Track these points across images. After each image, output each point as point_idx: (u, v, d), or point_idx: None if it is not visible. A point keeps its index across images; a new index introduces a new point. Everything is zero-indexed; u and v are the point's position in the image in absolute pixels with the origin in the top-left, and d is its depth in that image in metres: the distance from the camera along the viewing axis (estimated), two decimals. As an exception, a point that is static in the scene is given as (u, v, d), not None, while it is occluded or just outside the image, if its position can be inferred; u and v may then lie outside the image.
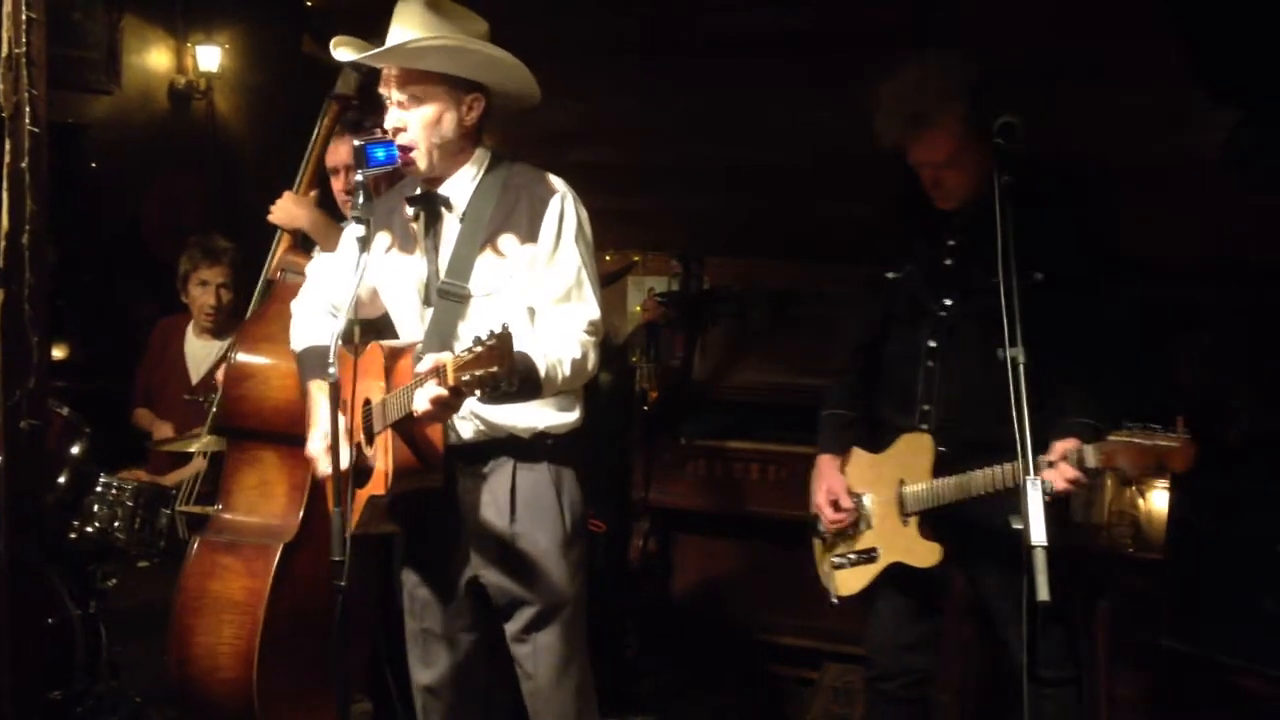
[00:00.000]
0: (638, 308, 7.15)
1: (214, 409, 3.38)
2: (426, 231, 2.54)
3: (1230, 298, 3.45)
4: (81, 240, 4.93)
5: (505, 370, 1.98)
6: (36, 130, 2.51)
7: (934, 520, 2.73)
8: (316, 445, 2.49)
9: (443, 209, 2.52)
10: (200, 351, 4.16)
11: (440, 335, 2.44)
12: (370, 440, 2.41)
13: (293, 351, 2.72)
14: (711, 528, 4.30)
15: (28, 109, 2.49)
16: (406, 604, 2.69)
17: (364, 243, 2.31)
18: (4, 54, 2.47)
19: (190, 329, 4.22)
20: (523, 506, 2.53)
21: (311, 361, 2.57)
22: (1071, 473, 2.45)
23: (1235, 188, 3.25)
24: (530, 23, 2.82)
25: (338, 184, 3.29)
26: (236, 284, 4.06)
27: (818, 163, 3.94)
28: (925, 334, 2.76)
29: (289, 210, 3.27)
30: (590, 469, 2.66)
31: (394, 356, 2.38)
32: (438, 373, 2.04)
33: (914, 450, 2.76)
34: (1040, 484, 2.25)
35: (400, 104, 2.44)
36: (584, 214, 2.53)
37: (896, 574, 2.81)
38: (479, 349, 1.97)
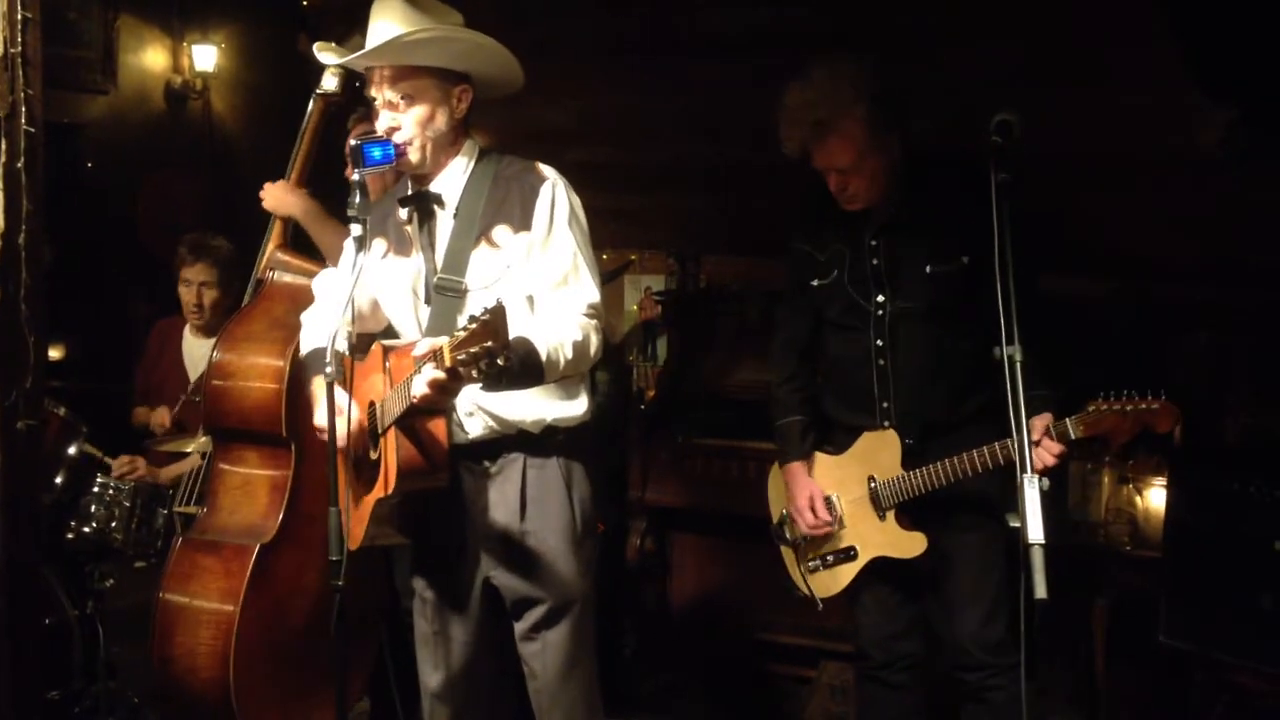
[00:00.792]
0: (635, 307, 7.15)
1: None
2: (420, 229, 2.54)
3: (1230, 298, 3.45)
4: (77, 240, 4.91)
5: (500, 345, 1.97)
6: (32, 130, 2.51)
7: (911, 510, 2.78)
8: (322, 419, 2.42)
9: (435, 206, 2.52)
10: (198, 350, 4.14)
11: (439, 332, 2.43)
12: (376, 443, 2.41)
13: (283, 355, 2.71)
14: (709, 527, 4.30)
15: (23, 109, 2.49)
16: (417, 606, 2.68)
17: (360, 242, 2.31)
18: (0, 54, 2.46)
19: (187, 328, 4.22)
20: (533, 504, 2.53)
21: (316, 362, 2.56)
22: (1057, 447, 2.52)
23: (1234, 187, 3.25)
24: (530, 23, 2.83)
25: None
26: (225, 282, 4.03)
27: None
28: (869, 335, 2.80)
29: (281, 197, 3.25)
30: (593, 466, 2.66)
31: (395, 356, 2.38)
32: (435, 356, 2.04)
33: (879, 446, 2.81)
34: (1036, 481, 2.25)
35: (391, 104, 2.43)
36: (576, 200, 2.52)
37: (877, 566, 2.85)
38: (473, 326, 1.97)
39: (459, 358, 1.97)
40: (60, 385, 3.88)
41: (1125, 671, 3.56)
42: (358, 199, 2.31)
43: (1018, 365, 2.29)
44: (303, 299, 2.85)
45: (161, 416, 4.07)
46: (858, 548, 2.86)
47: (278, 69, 6.37)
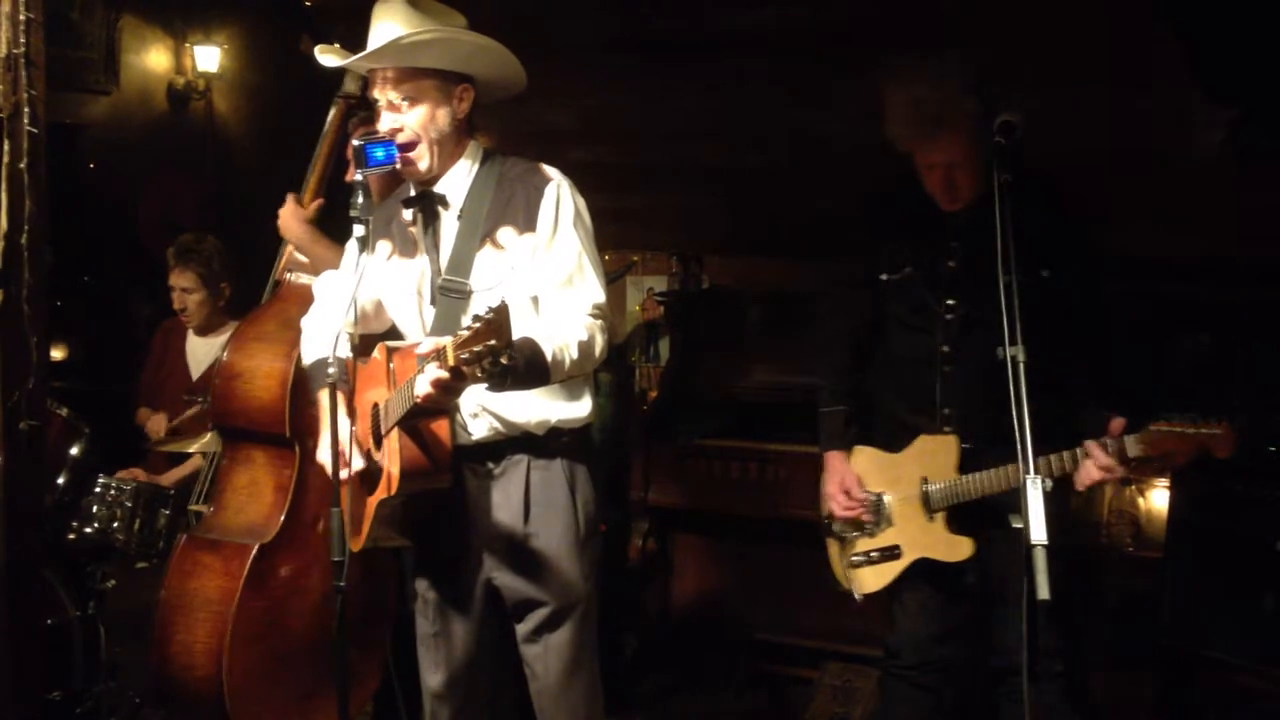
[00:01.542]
0: (637, 307, 7.17)
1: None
2: (425, 231, 2.54)
3: (1230, 298, 3.45)
4: (80, 241, 4.92)
5: (503, 344, 1.97)
6: (35, 131, 2.51)
7: (959, 515, 2.76)
8: (326, 454, 2.45)
9: (439, 207, 2.52)
10: (201, 350, 4.16)
11: (445, 333, 2.42)
12: (379, 445, 2.41)
13: (291, 357, 2.71)
14: (711, 527, 4.31)
15: (26, 109, 2.49)
16: (419, 607, 2.68)
17: (363, 243, 2.31)
18: (2, 54, 2.46)
19: (190, 329, 4.23)
20: (536, 506, 2.53)
21: (319, 372, 2.56)
22: (1106, 460, 2.47)
23: (1234, 187, 3.25)
24: (530, 23, 2.83)
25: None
26: (212, 283, 4.04)
27: (817, 162, 3.95)
28: (936, 338, 2.78)
29: (285, 221, 3.23)
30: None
31: (399, 357, 2.38)
32: (438, 355, 2.04)
33: (936, 449, 2.79)
34: (1039, 482, 2.25)
35: (393, 105, 2.43)
36: (581, 201, 2.52)
37: (923, 568, 2.82)
38: (476, 325, 1.97)
39: (462, 356, 1.97)
40: (63, 386, 3.89)
41: (1127, 672, 3.56)
42: (360, 200, 2.32)
43: (1020, 365, 2.30)
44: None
45: (159, 424, 4.08)
46: (902, 547, 2.84)
47: (280, 70, 6.38)
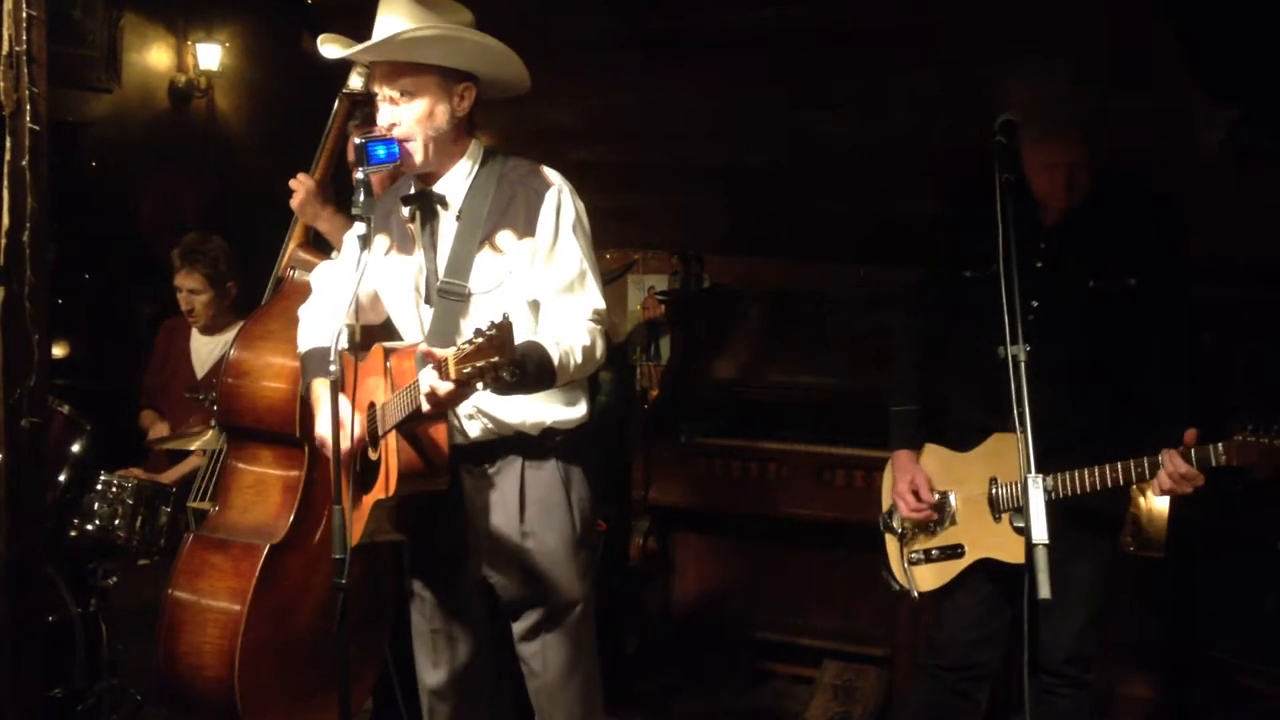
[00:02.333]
0: (638, 306, 7.18)
1: (214, 406, 3.38)
2: (423, 230, 2.54)
3: (1230, 298, 3.45)
4: (82, 238, 4.93)
5: (506, 360, 1.97)
6: (37, 128, 2.52)
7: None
8: (324, 428, 2.44)
9: (438, 207, 2.51)
10: (204, 349, 4.16)
11: (442, 335, 2.44)
12: (376, 444, 2.41)
13: (298, 355, 2.71)
14: (712, 526, 4.31)
15: (28, 107, 2.50)
16: (415, 605, 2.69)
17: (365, 240, 2.31)
18: (4, 52, 2.47)
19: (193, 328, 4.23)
20: (532, 506, 2.53)
21: (314, 362, 2.56)
22: (1184, 468, 2.43)
23: (1234, 187, 3.25)
24: (530, 22, 2.83)
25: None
26: (218, 283, 4.04)
27: (817, 162, 3.95)
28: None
29: (313, 207, 3.20)
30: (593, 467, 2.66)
31: (396, 358, 2.38)
32: (439, 367, 2.04)
33: (1007, 449, 2.71)
34: (1041, 482, 2.25)
35: (392, 99, 2.42)
36: (581, 205, 2.52)
37: (981, 568, 2.81)
38: (479, 340, 1.97)
39: (464, 370, 1.97)
40: (65, 384, 3.89)
41: (1129, 672, 3.56)
42: (362, 197, 2.32)
43: (1021, 365, 2.30)
44: (322, 299, 2.84)
45: (159, 430, 4.08)
46: (966, 546, 2.83)
47: (282, 68, 6.39)
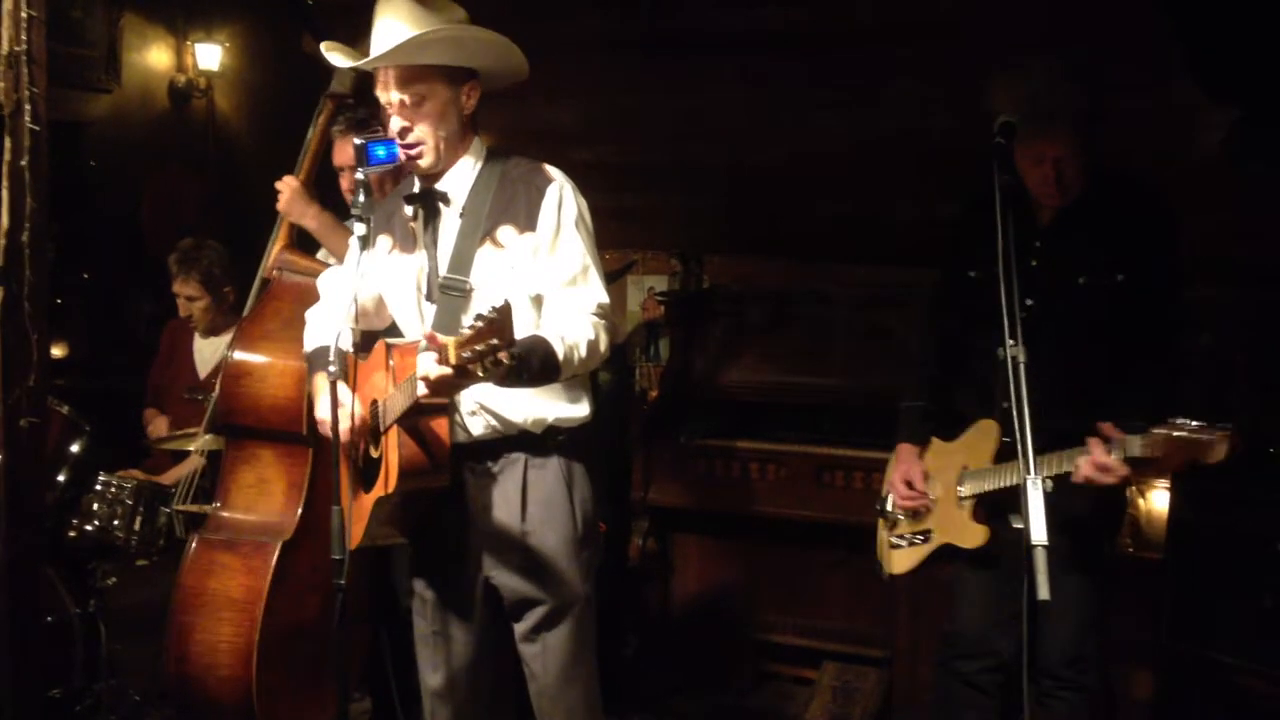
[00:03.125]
0: (638, 307, 7.17)
1: (211, 407, 3.39)
2: (425, 228, 2.54)
3: (1230, 298, 3.45)
4: (81, 238, 4.93)
5: (505, 342, 1.98)
6: (36, 128, 2.52)
7: (988, 505, 2.76)
8: (325, 412, 2.43)
9: (441, 204, 2.52)
10: (208, 349, 4.17)
11: (444, 331, 2.43)
12: (378, 441, 2.41)
13: (303, 354, 2.71)
14: (711, 527, 4.30)
15: (28, 107, 2.50)
16: (417, 606, 2.68)
17: (365, 241, 2.32)
18: (4, 51, 2.47)
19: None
20: (534, 505, 2.53)
21: (318, 360, 2.57)
22: (1104, 459, 2.44)
23: (1234, 187, 3.25)
24: (530, 22, 2.82)
25: (345, 183, 3.28)
26: (215, 287, 4.06)
27: (817, 162, 3.95)
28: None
29: (295, 204, 3.23)
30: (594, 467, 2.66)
31: (399, 354, 2.38)
32: (439, 351, 2.04)
33: (981, 437, 2.81)
34: (1040, 483, 2.25)
35: (403, 104, 2.42)
36: (583, 202, 2.53)
37: (987, 559, 2.81)
38: (479, 324, 1.98)
39: (464, 355, 1.97)
40: (64, 384, 3.89)
41: (1128, 673, 3.55)
42: (362, 198, 2.32)
43: (1021, 365, 2.30)
44: (309, 299, 2.85)
45: (160, 428, 4.09)
46: (933, 531, 2.88)
47: (282, 68, 6.40)
